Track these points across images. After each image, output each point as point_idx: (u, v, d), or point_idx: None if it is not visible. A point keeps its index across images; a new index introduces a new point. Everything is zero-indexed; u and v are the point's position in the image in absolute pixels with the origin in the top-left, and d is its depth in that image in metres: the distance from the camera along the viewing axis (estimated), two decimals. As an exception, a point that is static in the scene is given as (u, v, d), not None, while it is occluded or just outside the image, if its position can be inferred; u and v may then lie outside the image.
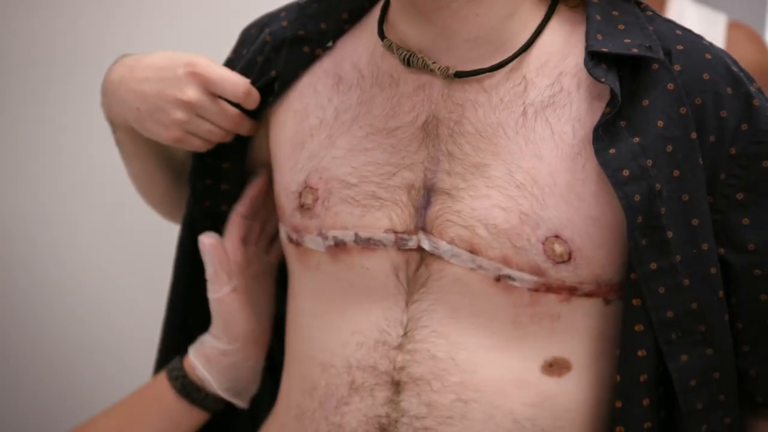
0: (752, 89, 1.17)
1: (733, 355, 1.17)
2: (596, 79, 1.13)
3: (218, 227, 1.36)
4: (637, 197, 1.12)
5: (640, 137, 1.13)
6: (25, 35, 1.93)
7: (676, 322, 1.14)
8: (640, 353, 1.14)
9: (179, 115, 1.27)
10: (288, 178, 1.27)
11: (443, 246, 1.17)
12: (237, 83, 1.27)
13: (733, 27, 2.01)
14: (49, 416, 2.08)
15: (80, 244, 2.00)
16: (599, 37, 1.15)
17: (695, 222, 1.14)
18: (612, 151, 1.12)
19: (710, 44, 1.19)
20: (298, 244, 1.26)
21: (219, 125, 1.29)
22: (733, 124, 1.15)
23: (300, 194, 1.25)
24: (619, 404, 1.15)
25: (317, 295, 1.26)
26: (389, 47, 1.21)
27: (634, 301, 1.14)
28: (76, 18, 1.99)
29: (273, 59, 1.30)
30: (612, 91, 1.13)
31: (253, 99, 1.29)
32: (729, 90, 1.15)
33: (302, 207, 1.25)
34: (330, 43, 1.27)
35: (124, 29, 2.02)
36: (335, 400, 1.22)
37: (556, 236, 1.14)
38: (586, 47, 1.15)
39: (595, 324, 1.18)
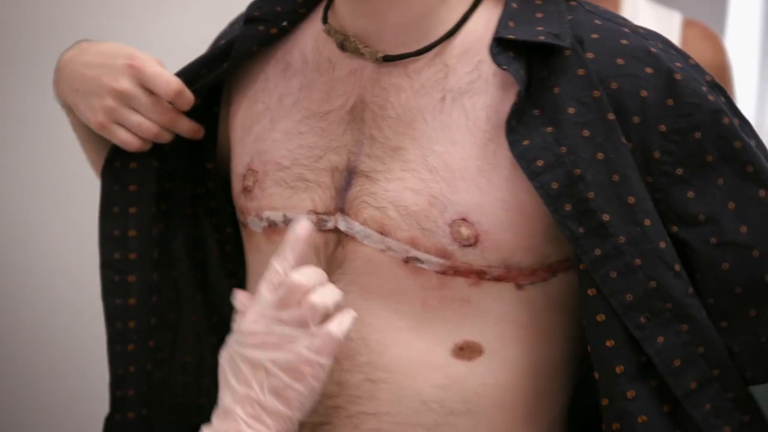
0: (675, 66, 1.19)
1: (714, 328, 1.18)
2: (498, 65, 1.17)
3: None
4: (554, 185, 1.15)
5: (553, 126, 1.17)
6: (26, 36, 2.03)
7: (639, 305, 1.16)
8: (608, 344, 1.16)
9: (108, 102, 1.34)
10: (236, 162, 1.35)
11: (356, 227, 1.22)
12: (168, 80, 1.33)
13: (688, 25, 2.01)
14: (50, 415, 2.14)
15: (80, 241, 2.00)
16: (511, 24, 1.20)
17: (631, 200, 1.16)
18: (526, 142, 1.16)
19: (632, 31, 1.22)
20: (244, 225, 1.34)
21: (148, 117, 1.34)
22: (657, 102, 1.17)
23: (244, 177, 1.32)
24: (605, 401, 1.17)
25: (259, 275, 1.30)
26: (328, 32, 1.28)
27: (589, 292, 1.17)
28: (76, 19, 2.08)
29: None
30: (520, 81, 1.16)
31: (185, 100, 1.34)
32: (648, 70, 1.18)
33: (245, 189, 1.32)
34: (284, 23, 1.33)
35: (124, 30, 2.09)
36: None
37: (463, 219, 1.18)
38: (494, 34, 1.19)
39: (507, 309, 1.21)
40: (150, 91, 1.34)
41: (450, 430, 1.22)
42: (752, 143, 1.19)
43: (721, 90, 1.21)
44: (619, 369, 1.16)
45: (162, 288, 1.40)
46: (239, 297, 1.22)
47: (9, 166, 2.05)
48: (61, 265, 2.17)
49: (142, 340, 1.38)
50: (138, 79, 1.34)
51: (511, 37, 1.18)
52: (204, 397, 1.43)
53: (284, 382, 1.15)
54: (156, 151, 1.38)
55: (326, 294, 1.17)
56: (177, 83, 1.34)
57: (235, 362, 1.17)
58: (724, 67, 2.01)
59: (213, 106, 1.40)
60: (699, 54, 1.98)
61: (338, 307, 1.18)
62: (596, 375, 1.17)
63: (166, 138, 1.37)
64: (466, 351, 1.21)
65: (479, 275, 1.20)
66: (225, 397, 1.17)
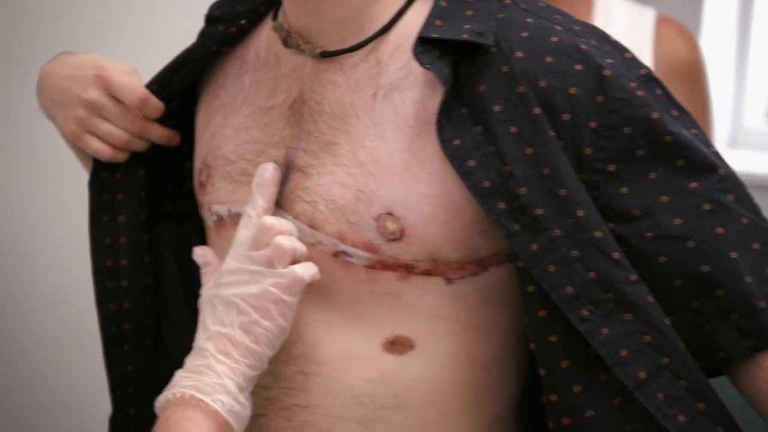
0: (605, 62, 1.19)
1: (662, 314, 1.17)
2: (421, 64, 1.19)
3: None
4: (486, 184, 1.17)
5: (482, 125, 1.18)
6: (27, 36, 2.06)
7: (580, 297, 1.16)
8: (551, 339, 1.17)
9: (79, 112, 1.39)
10: (196, 158, 1.38)
11: (289, 220, 1.24)
12: (133, 89, 1.37)
13: (662, 22, 1.98)
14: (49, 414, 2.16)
15: (80, 241, 2.04)
16: (438, 23, 1.20)
17: (563, 192, 1.17)
18: (456, 141, 1.18)
19: (564, 29, 1.22)
20: (202, 220, 1.37)
21: (118, 126, 1.38)
22: (587, 98, 1.18)
23: (200, 172, 1.36)
24: (553, 397, 1.18)
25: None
26: (275, 29, 1.30)
27: (529, 288, 1.18)
28: (77, 19, 2.11)
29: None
30: (444, 80, 1.17)
31: (151, 107, 1.38)
32: (577, 67, 1.19)
33: (200, 184, 1.35)
34: (243, 21, 1.35)
35: (124, 30, 2.12)
36: None
37: (389, 213, 1.20)
38: (419, 33, 1.21)
39: (437, 303, 1.22)
40: (119, 101, 1.38)
41: (382, 425, 1.23)
42: (686, 135, 1.19)
43: (657, 83, 1.21)
44: (564, 364, 1.17)
45: (154, 289, 1.44)
46: (198, 251, 1.30)
47: (9, 166, 2.09)
48: (60, 265, 2.20)
49: (139, 340, 1.42)
50: (106, 89, 1.38)
51: (434, 35, 1.19)
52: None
53: (253, 319, 1.20)
54: (141, 157, 1.41)
55: (294, 240, 1.22)
56: (142, 92, 1.38)
57: (211, 302, 1.23)
58: (697, 63, 1.99)
59: (189, 105, 1.43)
60: (673, 51, 1.98)
61: (303, 257, 1.23)
62: (542, 371, 1.18)
63: (138, 146, 1.40)
64: (397, 345, 1.23)
65: (407, 269, 1.21)
66: (199, 337, 1.23)
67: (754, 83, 2.96)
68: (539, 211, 1.17)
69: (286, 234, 1.22)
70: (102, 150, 1.39)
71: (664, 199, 1.18)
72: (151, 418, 1.33)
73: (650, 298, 1.17)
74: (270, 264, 1.21)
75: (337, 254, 1.22)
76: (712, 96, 2.06)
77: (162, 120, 1.41)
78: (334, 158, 1.24)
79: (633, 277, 1.17)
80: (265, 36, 1.34)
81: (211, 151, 1.33)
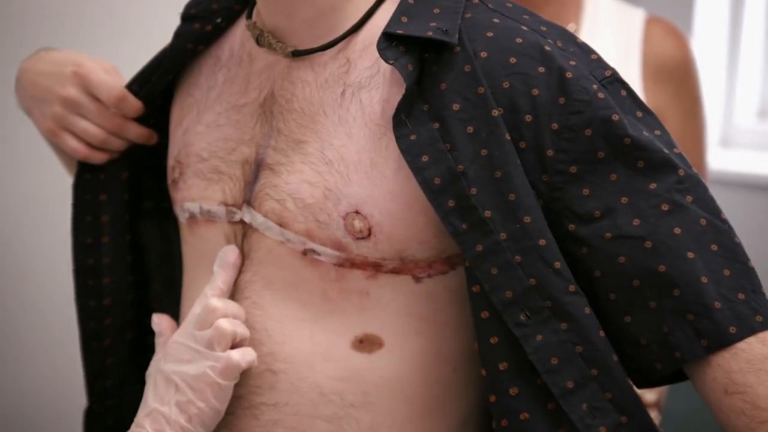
0: (567, 64, 1.20)
1: (598, 327, 1.19)
2: (385, 60, 1.19)
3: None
4: (437, 180, 1.17)
5: (440, 122, 1.19)
6: (27, 36, 2.05)
7: (518, 302, 1.17)
8: (492, 341, 1.18)
9: (57, 108, 1.40)
10: (169, 154, 1.39)
11: (258, 218, 1.26)
12: (111, 87, 1.39)
13: (651, 22, 1.97)
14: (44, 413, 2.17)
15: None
16: (404, 19, 1.21)
17: (512, 197, 1.17)
18: (413, 137, 1.18)
19: (529, 29, 1.22)
20: (176, 217, 1.38)
21: (95, 123, 1.40)
22: (549, 100, 1.18)
23: (173, 169, 1.37)
24: (492, 398, 1.19)
25: (187, 268, 1.37)
26: (248, 27, 1.31)
27: (474, 288, 1.19)
28: (77, 19, 2.11)
29: None
30: (404, 78, 1.18)
31: (129, 106, 1.40)
32: (540, 69, 1.19)
33: (173, 181, 1.36)
34: (219, 20, 1.37)
35: (124, 30, 2.13)
36: None
37: (357, 212, 1.21)
38: (384, 29, 1.21)
39: (406, 302, 1.23)
40: (97, 98, 1.40)
41: (351, 423, 1.24)
42: (648, 137, 1.20)
43: (622, 84, 1.22)
44: (502, 366, 1.18)
45: (137, 286, 1.47)
46: (156, 320, 1.33)
47: (9, 164, 2.10)
48: (60, 265, 2.20)
49: (120, 334, 1.45)
50: (84, 86, 1.40)
51: (399, 32, 1.20)
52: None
53: (188, 398, 1.23)
54: (123, 158, 1.43)
55: (236, 324, 1.25)
56: (119, 90, 1.39)
57: (154, 377, 1.26)
58: (687, 62, 1.97)
59: (167, 103, 1.44)
60: (661, 50, 1.97)
61: (245, 342, 1.25)
62: (483, 372, 1.19)
63: (116, 144, 1.42)
64: (366, 343, 1.24)
65: (375, 268, 1.22)
66: (140, 412, 1.26)
67: (746, 82, 2.96)
68: (488, 213, 1.17)
69: (230, 317, 1.24)
70: (77, 148, 1.41)
71: (624, 200, 1.19)
72: (129, 408, 1.37)
73: (587, 310, 1.18)
74: (210, 345, 1.23)
75: (305, 252, 1.23)
76: (704, 95, 2.06)
77: (142, 119, 1.42)
78: (302, 156, 1.24)
79: (572, 287, 1.18)
80: (239, 34, 1.35)
81: (183, 148, 1.34)
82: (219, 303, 1.24)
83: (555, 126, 1.19)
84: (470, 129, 1.18)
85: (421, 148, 1.18)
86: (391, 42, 1.20)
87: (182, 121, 1.37)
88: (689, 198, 1.19)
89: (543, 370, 1.17)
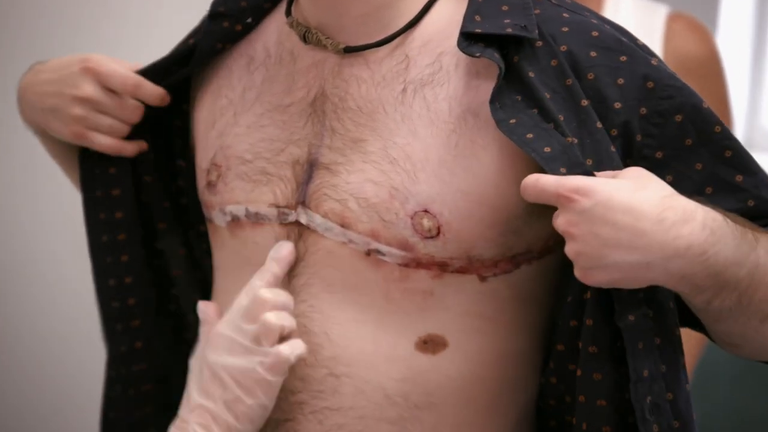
0: (647, 56, 1.24)
1: (677, 323, 1.21)
2: (471, 55, 1.21)
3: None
4: (547, 149, 1.18)
5: (537, 107, 1.21)
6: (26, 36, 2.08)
7: None
8: (588, 322, 1.19)
9: (77, 111, 1.40)
10: (200, 157, 1.39)
11: (317, 219, 1.26)
12: (125, 76, 1.39)
13: (674, 18, 2.00)
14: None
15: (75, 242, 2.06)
16: (477, 18, 1.23)
17: None
18: (512, 121, 1.20)
19: (600, 23, 1.26)
20: (210, 221, 1.38)
21: (120, 119, 1.40)
22: (635, 86, 1.21)
23: (208, 171, 1.36)
24: (579, 372, 1.20)
25: (225, 272, 1.37)
26: (291, 24, 1.32)
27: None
28: (77, 20, 2.13)
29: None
30: (497, 64, 1.20)
31: (147, 93, 1.40)
32: (622, 58, 1.23)
33: (209, 184, 1.36)
34: (249, 19, 1.37)
35: (125, 31, 2.14)
36: None
37: (425, 210, 1.22)
38: (461, 29, 1.23)
39: (470, 301, 1.25)
40: (114, 92, 1.39)
41: (415, 424, 1.25)
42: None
43: None
44: (591, 349, 1.20)
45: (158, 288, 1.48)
46: (202, 307, 1.32)
47: (9, 166, 2.11)
48: (58, 265, 2.23)
49: (149, 315, 1.46)
50: (98, 81, 1.39)
51: (478, 31, 1.22)
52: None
53: (236, 395, 1.23)
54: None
55: (284, 316, 1.24)
56: (133, 78, 1.39)
57: (199, 368, 1.26)
58: (712, 60, 2.00)
59: (182, 103, 1.44)
60: (685, 47, 1.98)
61: (293, 334, 1.25)
62: (559, 347, 1.22)
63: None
64: (430, 344, 1.25)
65: (441, 267, 1.24)
66: (183, 407, 1.25)
67: (771, 85, 2.98)
68: None
69: (279, 308, 1.24)
70: (110, 144, 1.41)
71: (708, 190, 1.22)
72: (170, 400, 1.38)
73: (671, 304, 1.20)
74: (257, 341, 1.23)
75: (369, 253, 1.24)
76: (728, 93, 2.07)
77: (151, 116, 1.42)
78: (362, 155, 1.25)
79: None
80: (273, 31, 1.36)
81: (220, 150, 1.34)
82: (268, 294, 1.24)
83: (644, 111, 1.21)
84: (561, 117, 1.20)
85: (524, 128, 1.19)
86: (469, 41, 1.22)
87: (215, 123, 1.36)
88: None
89: (630, 350, 1.18)
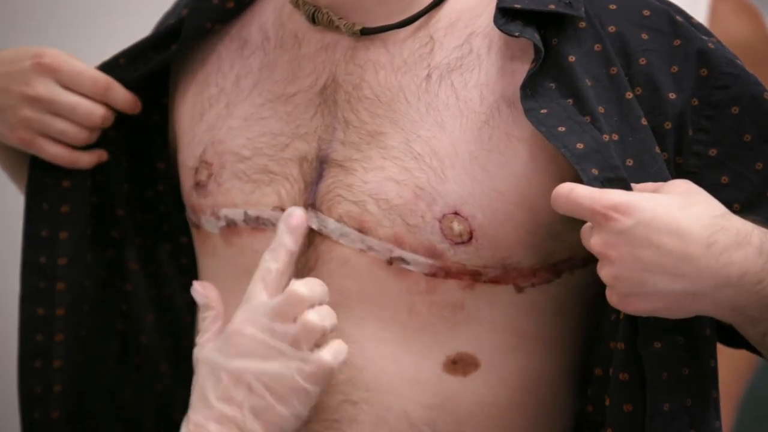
0: (704, 37, 1.16)
1: (713, 352, 1.13)
2: (509, 34, 1.12)
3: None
4: (579, 146, 1.09)
5: (573, 98, 1.12)
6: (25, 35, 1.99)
7: None
8: (620, 346, 1.11)
9: (26, 112, 1.26)
10: (186, 154, 1.27)
11: (331, 224, 1.16)
12: (96, 76, 1.26)
13: None
14: None
15: None
16: None
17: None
18: (544, 111, 1.11)
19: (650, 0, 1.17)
20: (197, 226, 1.26)
21: (79, 124, 1.27)
22: (690, 74, 1.14)
23: (196, 170, 1.25)
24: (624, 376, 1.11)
25: (215, 284, 1.24)
26: (296, 4, 1.21)
27: None
28: (74, 18, 2.07)
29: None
30: (534, 45, 1.11)
31: (117, 95, 1.27)
32: (676, 42, 1.14)
33: (198, 184, 1.25)
34: None
35: (125, 31, 2.10)
36: None
37: (455, 213, 1.13)
38: (497, 3, 1.13)
39: (506, 315, 1.15)
40: (72, 90, 1.26)
41: None
42: None
43: None
44: (623, 376, 1.10)
45: (110, 301, 1.36)
46: (198, 288, 1.20)
47: None
48: None
49: (71, 356, 1.31)
50: (55, 78, 1.26)
51: (517, 6, 1.12)
52: (150, 419, 1.39)
53: (268, 403, 1.12)
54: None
55: (325, 314, 1.13)
56: (104, 78, 1.26)
57: (215, 373, 1.14)
58: (762, 43, 1.95)
59: (161, 96, 1.32)
60: (732, 30, 1.90)
61: (333, 331, 1.14)
62: (597, 371, 1.14)
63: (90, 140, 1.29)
64: (460, 365, 1.15)
65: (473, 277, 1.14)
66: (199, 411, 1.14)
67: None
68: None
69: (317, 305, 1.13)
70: (60, 154, 1.27)
71: None
72: None
73: (708, 331, 1.11)
74: (296, 344, 1.12)
75: (391, 261, 1.14)
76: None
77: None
78: (381, 150, 1.16)
79: None
80: (271, 12, 1.25)
81: (211, 146, 1.23)
82: (305, 289, 1.12)
83: (695, 101, 1.13)
84: (602, 110, 1.12)
85: (556, 120, 1.10)
86: (507, 18, 1.12)
87: (204, 116, 1.26)
88: None
89: (651, 381, 1.09)
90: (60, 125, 1.26)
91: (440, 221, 1.13)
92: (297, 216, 1.15)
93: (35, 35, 2.07)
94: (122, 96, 1.28)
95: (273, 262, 1.14)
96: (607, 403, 1.11)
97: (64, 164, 1.28)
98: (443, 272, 1.14)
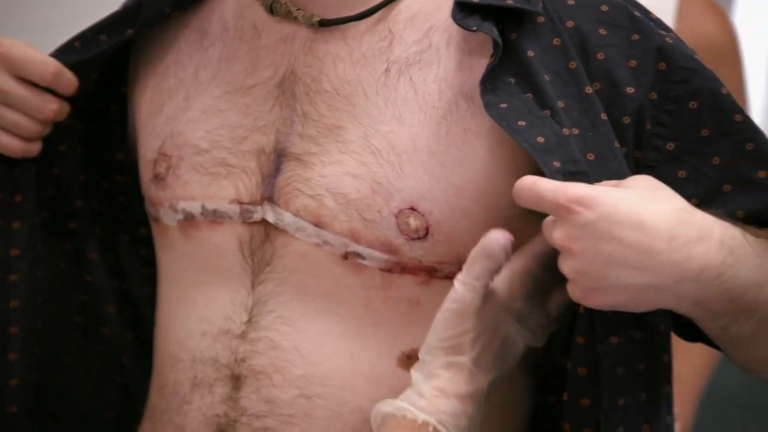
0: (662, 32, 1.16)
1: (668, 347, 1.14)
2: (466, 28, 1.12)
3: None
4: (540, 139, 1.10)
5: (533, 92, 1.13)
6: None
7: None
8: (579, 340, 1.12)
9: None
10: (145, 146, 1.27)
11: (287, 218, 1.16)
12: (44, 62, 1.24)
13: None
14: None
15: None
16: None
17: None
18: (504, 105, 1.11)
19: None
20: (156, 219, 1.26)
21: (28, 113, 1.25)
22: (649, 68, 1.14)
23: (155, 162, 1.25)
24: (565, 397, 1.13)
25: (174, 278, 1.25)
26: None
27: None
28: (71, 17, 2.07)
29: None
30: (493, 40, 1.12)
31: (67, 82, 1.26)
32: (635, 37, 1.15)
33: (156, 177, 1.25)
34: None
35: None
36: (179, 399, 1.22)
37: (412, 208, 1.13)
38: None
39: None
40: (23, 79, 1.25)
41: None
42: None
43: None
44: (581, 371, 1.12)
45: (69, 292, 1.36)
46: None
47: None
48: None
49: (27, 349, 1.31)
50: (8, 69, 1.25)
51: (475, 1, 1.13)
52: (111, 412, 1.39)
53: None
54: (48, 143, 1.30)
55: None
56: (54, 64, 1.25)
57: None
58: (729, 44, 1.93)
59: (120, 85, 1.32)
60: (699, 29, 1.90)
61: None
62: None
63: (45, 132, 1.28)
64: (415, 360, 1.14)
65: (429, 273, 1.15)
66: None
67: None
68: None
69: None
70: (13, 145, 1.26)
71: (726, 188, 1.14)
72: None
73: (663, 326, 1.13)
74: None
75: (347, 256, 1.15)
76: (746, 80, 2.00)
77: (80, 98, 1.29)
78: (339, 145, 1.16)
79: None
80: (231, 3, 1.25)
81: (170, 138, 1.24)
82: None
83: (654, 96, 1.14)
84: (561, 104, 1.12)
85: (517, 114, 1.11)
86: (465, 12, 1.13)
87: (163, 107, 1.26)
88: None
89: (606, 376, 1.11)
90: (14, 117, 1.25)
91: (397, 216, 1.14)
92: (502, 237, 1.11)
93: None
94: (71, 82, 1.26)
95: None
96: (565, 397, 1.12)
97: (17, 156, 1.27)
98: (399, 267, 1.15)
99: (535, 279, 1.13)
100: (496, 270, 1.09)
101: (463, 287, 1.09)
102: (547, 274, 1.13)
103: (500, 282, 1.11)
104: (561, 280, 1.09)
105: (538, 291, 1.14)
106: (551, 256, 1.10)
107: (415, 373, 1.11)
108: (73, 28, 1.32)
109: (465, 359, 1.09)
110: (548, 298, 1.15)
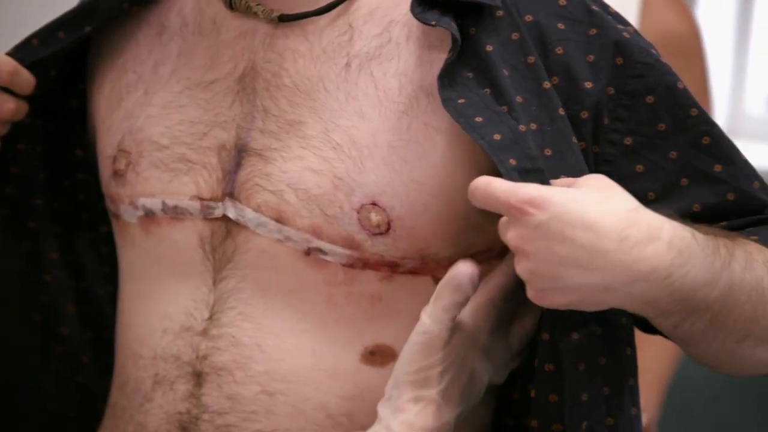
0: (620, 26, 1.17)
1: (630, 340, 1.16)
2: (425, 23, 1.12)
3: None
4: (497, 136, 1.11)
5: (491, 87, 1.13)
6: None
7: None
8: (544, 336, 1.13)
9: None
10: (104, 142, 1.27)
11: (248, 214, 1.17)
12: (1, 60, 1.24)
13: None
14: None
15: None
16: None
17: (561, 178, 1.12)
18: (462, 100, 1.12)
19: None
20: (116, 216, 1.26)
21: None
22: (606, 63, 1.15)
23: (114, 159, 1.25)
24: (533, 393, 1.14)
25: (135, 275, 1.25)
26: None
27: None
28: None
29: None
30: (452, 35, 1.12)
31: (24, 81, 1.25)
32: (593, 31, 1.16)
33: (116, 173, 1.24)
34: None
35: None
36: (140, 396, 1.21)
37: (373, 203, 1.14)
38: None
39: (424, 307, 1.15)
40: None
41: None
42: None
43: None
44: (548, 367, 1.13)
45: (28, 292, 1.35)
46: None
47: None
48: None
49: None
50: None
51: None
52: (73, 411, 1.40)
53: None
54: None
55: None
56: (10, 63, 1.25)
57: None
58: (691, 37, 1.94)
59: (79, 81, 1.32)
60: (661, 22, 1.92)
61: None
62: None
63: (3, 131, 1.28)
64: (378, 356, 1.17)
65: (391, 268, 1.15)
66: None
67: (756, 66, 2.94)
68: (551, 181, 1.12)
69: None
70: None
71: (684, 182, 1.16)
72: None
73: (624, 320, 1.14)
74: None
75: (309, 252, 1.15)
76: (709, 74, 2.01)
77: (39, 95, 1.28)
78: (300, 140, 1.16)
79: None
80: None
81: (129, 134, 1.24)
82: None
83: (611, 90, 1.15)
84: (520, 99, 1.13)
85: (474, 110, 1.11)
86: (423, 6, 1.13)
87: (121, 103, 1.26)
88: (756, 184, 1.16)
89: (569, 372, 1.12)
90: None
91: (358, 212, 1.14)
92: (467, 268, 1.13)
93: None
94: (28, 81, 1.26)
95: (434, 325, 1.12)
96: (533, 394, 1.13)
97: None
98: (361, 263, 1.15)
99: (498, 311, 1.14)
100: (464, 302, 1.11)
101: (430, 320, 1.10)
102: (509, 306, 1.14)
103: (466, 315, 1.12)
104: (522, 312, 1.12)
105: (500, 323, 1.15)
106: (512, 288, 1.12)
107: (382, 408, 1.12)
108: (30, 28, 1.31)
109: (433, 392, 1.11)
110: (509, 331, 1.16)
